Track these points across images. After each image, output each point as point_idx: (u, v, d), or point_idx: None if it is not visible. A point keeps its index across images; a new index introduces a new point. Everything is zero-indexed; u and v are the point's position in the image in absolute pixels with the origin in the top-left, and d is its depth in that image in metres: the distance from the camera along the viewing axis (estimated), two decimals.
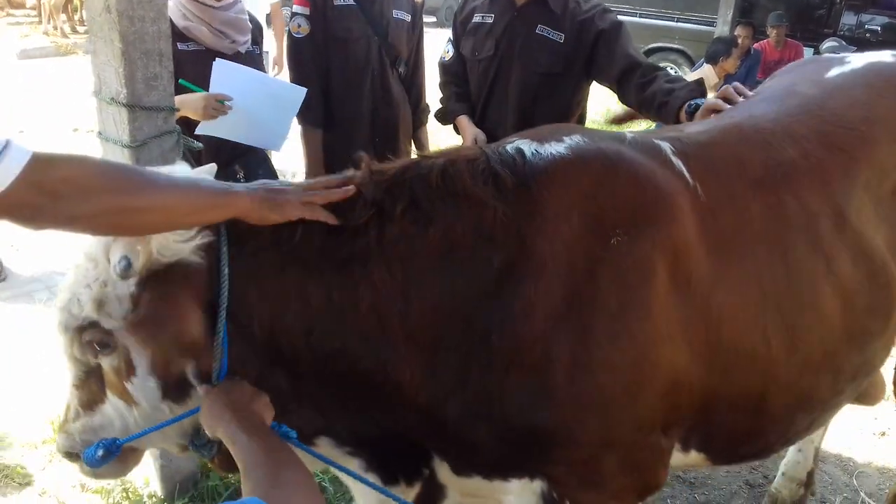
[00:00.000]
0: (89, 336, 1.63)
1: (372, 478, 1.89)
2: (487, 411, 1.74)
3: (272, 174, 3.67)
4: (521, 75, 3.15)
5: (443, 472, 1.92)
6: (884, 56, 2.65)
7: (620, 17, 3.37)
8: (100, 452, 1.66)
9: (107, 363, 1.67)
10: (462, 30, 3.43)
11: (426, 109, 4.13)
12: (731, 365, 1.92)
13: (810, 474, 3.24)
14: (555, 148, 1.83)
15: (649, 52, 13.19)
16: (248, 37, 3.43)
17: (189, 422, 1.73)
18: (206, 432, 1.61)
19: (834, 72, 2.55)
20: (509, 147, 1.84)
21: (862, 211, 2.21)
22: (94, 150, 2.75)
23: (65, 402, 1.81)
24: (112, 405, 1.72)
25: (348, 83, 3.70)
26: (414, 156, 1.88)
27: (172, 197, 1.48)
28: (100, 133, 2.67)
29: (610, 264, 1.74)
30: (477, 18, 3.07)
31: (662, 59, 13.13)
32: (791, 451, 3.27)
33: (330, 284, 1.67)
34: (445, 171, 1.75)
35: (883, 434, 3.97)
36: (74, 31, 14.59)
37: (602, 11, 3.28)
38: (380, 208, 1.70)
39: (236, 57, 3.32)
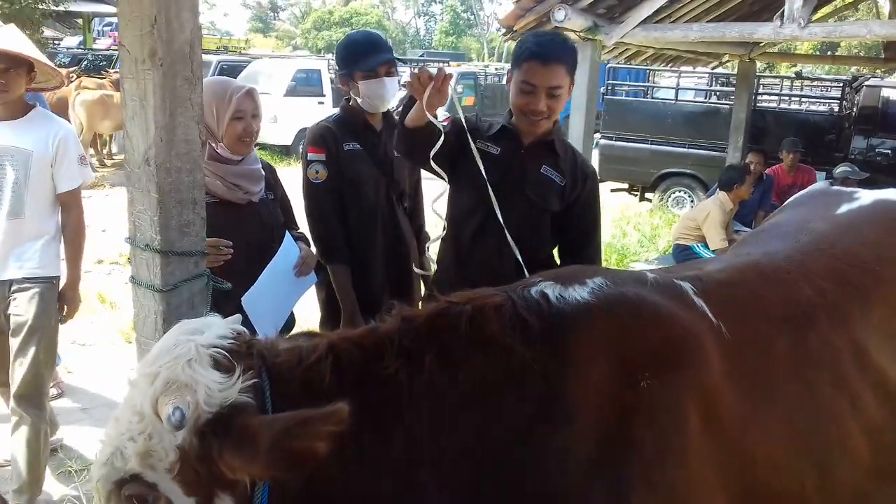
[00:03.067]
0: (130, 490, 1.60)
1: None
2: None
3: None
4: (525, 209, 3.22)
5: None
6: (891, 194, 2.74)
7: (634, 144, 3.47)
8: None
9: None
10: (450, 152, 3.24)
11: (427, 238, 4.25)
12: None
13: None
14: (579, 292, 1.86)
15: (662, 178, 13.52)
16: (262, 185, 3.56)
17: None
18: None
19: (844, 208, 2.65)
20: (533, 291, 1.87)
21: (881, 348, 2.22)
22: (116, 280, 2.81)
23: None
24: None
25: (362, 225, 3.83)
26: (439, 300, 1.90)
27: None
28: (132, 277, 2.75)
29: (641, 409, 1.73)
30: (479, 146, 3.16)
31: (675, 183, 13.43)
32: None
33: (361, 429, 1.65)
34: (474, 318, 1.78)
35: None
36: (103, 164, 15.13)
37: (594, 173, 3.41)
38: (408, 357, 1.72)
39: (249, 206, 3.47)
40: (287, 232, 3.59)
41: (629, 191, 14.76)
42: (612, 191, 15.26)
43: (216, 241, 3.11)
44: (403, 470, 1.69)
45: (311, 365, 1.72)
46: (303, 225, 3.88)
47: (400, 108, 3.10)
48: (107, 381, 5.45)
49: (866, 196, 2.74)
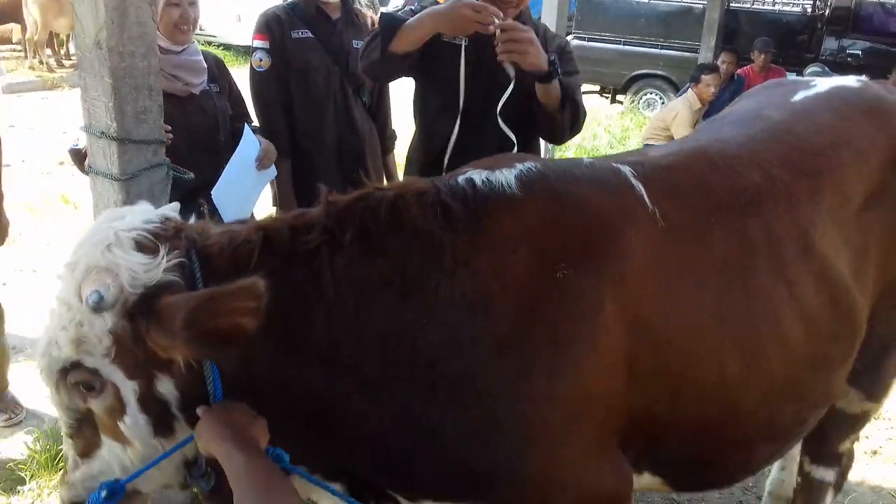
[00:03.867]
0: (74, 378, 1.63)
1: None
2: (430, 443, 1.76)
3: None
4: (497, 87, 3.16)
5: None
6: (848, 81, 2.70)
7: (606, 45, 3.42)
8: (103, 493, 1.66)
9: (98, 405, 1.67)
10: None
11: (393, 136, 4.23)
12: (681, 392, 1.93)
13: (797, 491, 3.14)
14: (506, 177, 1.86)
15: (634, 79, 13.39)
16: (204, 77, 3.48)
17: (183, 457, 1.75)
18: (201, 450, 1.62)
19: (800, 96, 2.58)
20: (461, 178, 1.88)
21: (826, 236, 2.20)
22: (79, 183, 2.77)
23: (64, 453, 1.81)
24: (108, 449, 1.72)
25: (311, 115, 3.78)
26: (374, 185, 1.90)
27: None
28: (89, 166, 2.69)
29: (555, 298, 1.77)
30: (447, 38, 3.06)
31: (647, 85, 13.33)
32: (774, 469, 3.26)
33: (287, 307, 1.67)
34: (395, 203, 1.79)
35: (875, 453, 3.98)
36: (60, 65, 14.65)
37: (567, 42, 3.35)
38: (331, 235, 1.74)
39: (190, 98, 3.40)
40: (246, 125, 3.53)
41: (600, 93, 14.64)
42: (584, 93, 15.15)
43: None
44: (324, 348, 1.71)
45: (241, 244, 1.72)
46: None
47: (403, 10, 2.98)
48: None
49: (823, 83, 2.68)
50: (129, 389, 1.63)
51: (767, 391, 2.06)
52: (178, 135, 3.12)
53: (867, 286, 2.32)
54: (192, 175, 2.89)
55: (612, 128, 12.05)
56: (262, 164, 3.53)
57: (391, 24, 2.90)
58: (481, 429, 1.74)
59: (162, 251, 1.59)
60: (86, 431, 1.74)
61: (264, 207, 4.20)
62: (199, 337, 1.47)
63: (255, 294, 1.48)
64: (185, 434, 1.69)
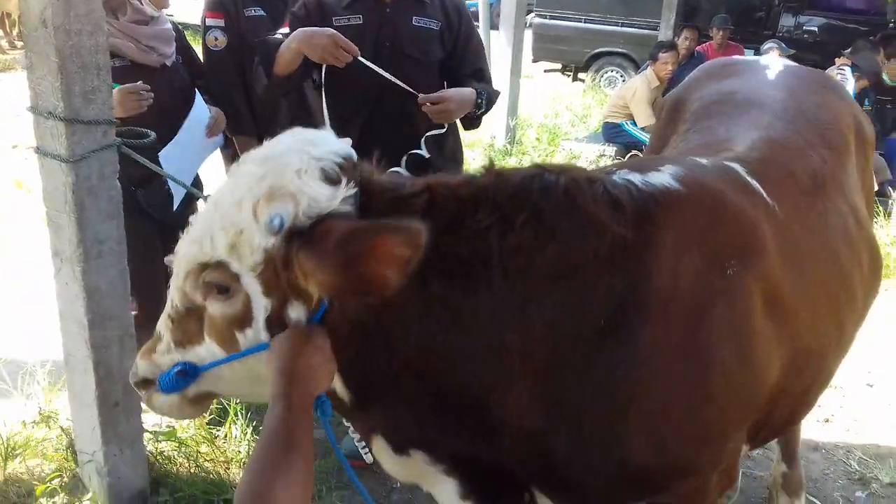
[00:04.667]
0: (211, 276, 1.57)
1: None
2: (601, 450, 1.70)
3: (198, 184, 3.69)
4: (412, 69, 3.16)
5: (543, 502, 1.87)
6: (781, 61, 2.93)
7: (567, 23, 3.51)
8: (176, 369, 1.67)
9: (218, 308, 1.61)
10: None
11: None
12: (803, 366, 2.04)
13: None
14: (662, 178, 1.82)
15: (595, 57, 13.43)
16: (174, 47, 3.45)
17: None
18: (265, 369, 1.56)
19: (773, 75, 2.72)
20: (616, 177, 1.79)
21: (860, 203, 2.45)
22: (34, 167, 2.72)
23: (158, 329, 1.75)
24: (208, 349, 1.67)
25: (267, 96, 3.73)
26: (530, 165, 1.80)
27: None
28: (38, 148, 2.64)
29: (725, 297, 1.76)
30: (341, 22, 3.06)
31: (608, 63, 13.38)
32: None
33: (452, 278, 1.60)
34: (569, 188, 1.68)
35: (827, 421, 4.08)
36: (13, 46, 14.27)
37: (463, 3, 3.36)
38: (502, 214, 1.63)
39: (163, 70, 3.37)
40: (197, 92, 3.49)
41: (562, 71, 14.66)
42: (546, 71, 15.16)
43: (134, 86, 3.02)
44: (487, 332, 1.62)
45: (408, 195, 1.63)
46: None
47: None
48: (28, 262, 5.34)
49: (771, 63, 2.84)
50: (260, 305, 1.57)
51: (843, 350, 2.31)
52: (149, 107, 3.09)
53: None
54: (153, 135, 2.86)
55: (573, 106, 12.08)
56: (211, 131, 3.50)
57: (267, 50, 3.00)
58: (661, 431, 1.70)
59: (343, 184, 1.53)
60: (189, 323, 1.69)
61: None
62: (344, 267, 1.40)
63: (414, 241, 1.38)
64: None
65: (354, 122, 3.14)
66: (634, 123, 8.09)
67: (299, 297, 1.55)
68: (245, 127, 3.69)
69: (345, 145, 1.66)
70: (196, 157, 3.56)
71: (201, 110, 3.45)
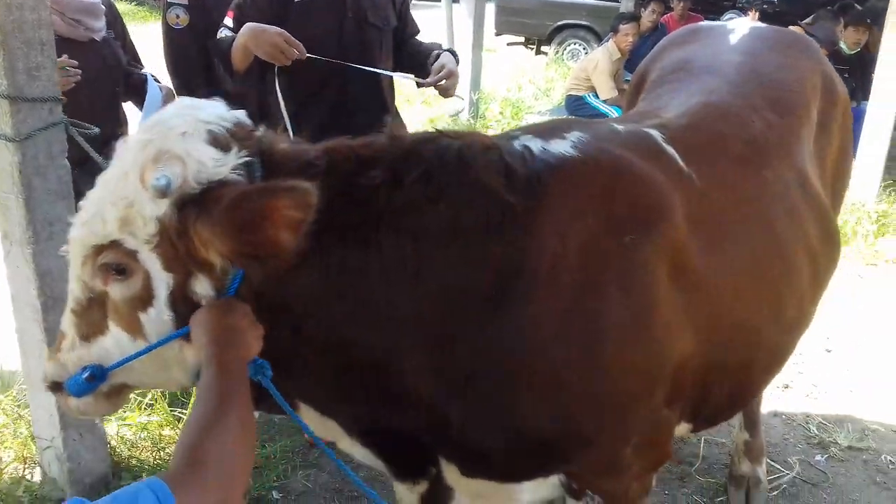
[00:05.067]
0: (108, 257, 1.52)
1: (381, 465, 1.90)
2: (496, 418, 1.70)
3: None
4: (375, 38, 3.19)
5: (450, 473, 1.86)
6: (747, 22, 2.90)
7: None
8: (85, 375, 1.60)
9: (120, 291, 1.56)
10: (274, 13, 3.15)
11: None
12: (731, 339, 1.99)
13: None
14: (562, 146, 1.81)
15: (558, 30, 13.40)
16: (103, 21, 3.37)
17: (195, 358, 1.62)
18: (192, 341, 1.54)
19: (735, 38, 2.68)
20: (516, 143, 1.80)
21: (812, 170, 2.33)
22: None
23: (62, 328, 1.69)
24: (114, 338, 1.61)
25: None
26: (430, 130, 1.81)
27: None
28: None
29: (621, 265, 1.73)
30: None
31: (571, 35, 13.36)
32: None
33: (346, 240, 1.60)
34: (462, 152, 1.69)
35: (786, 387, 4.15)
36: None
37: None
38: (394, 172, 1.64)
39: (90, 44, 3.28)
40: (147, 74, 3.42)
41: (525, 44, 14.62)
42: (509, 45, 15.11)
43: (61, 61, 2.91)
44: (380, 293, 1.62)
45: (307, 165, 1.62)
46: (151, 66, 3.69)
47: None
48: None
49: (737, 26, 2.78)
50: (161, 281, 1.54)
51: (786, 325, 2.18)
52: (78, 84, 3.01)
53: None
54: (97, 130, 2.78)
55: (536, 79, 12.05)
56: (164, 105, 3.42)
57: (222, 50, 3.00)
58: (555, 399, 1.69)
59: (234, 149, 1.51)
60: (93, 314, 1.63)
61: None
62: (238, 231, 1.39)
63: (304, 202, 1.39)
64: None
65: (323, 102, 3.14)
66: (597, 96, 8.09)
67: (202, 269, 1.52)
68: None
69: (238, 113, 1.63)
70: None
71: (154, 93, 3.37)
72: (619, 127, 2.06)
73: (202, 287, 1.54)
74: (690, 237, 1.88)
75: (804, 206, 2.24)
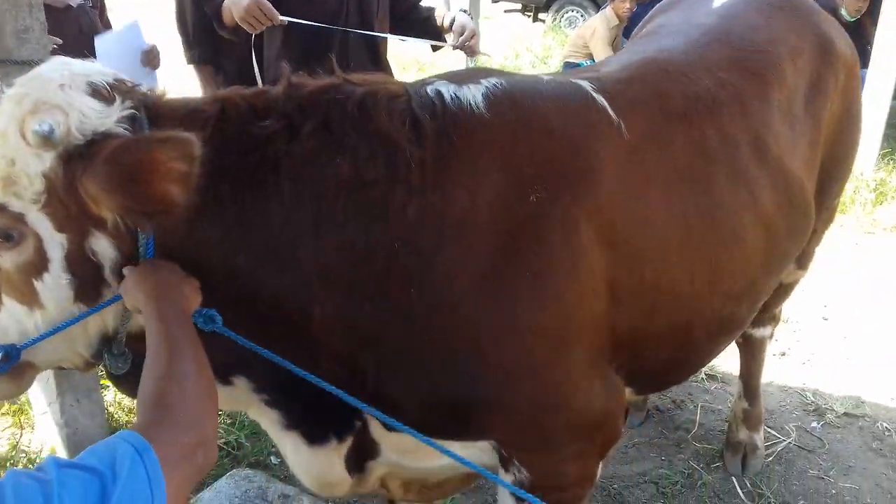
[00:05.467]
0: None
1: (295, 436, 1.82)
2: (408, 373, 1.68)
3: None
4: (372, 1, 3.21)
5: (376, 428, 1.83)
6: None
7: None
8: None
9: (9, 259, 1.47)
10: None
11: None
12: (657, 304, 1.91)
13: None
14: (473, 95, 1.74)
15: None
16: None
17: (104, 329, 1.59)
18: (128, 306, 1.50)
19: (718, 2, 2.59)
20: (430, 89, 1.74)
21: (780, 135, 2.22)
22: None
23: None
24: (8, 311, 1.52)
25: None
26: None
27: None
28: None
29: (531, 223, 1.67)
30: None
31: (569, 2, 13.21)
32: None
33: (242, 189, 1.55)
34: (364, 101, 1.63)
35: (783, 354, 4.16)
36: None
37: None
38: (290, 122, 1.59)
39: (67, 11, 3.27)
40: (138, 23, 3.37)
41: (522, 11, 14.48)
42: (506, 12, 14.98)
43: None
44: (282, 244, 1.57)
45: (195, 111, 1.57)
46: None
47: None
48: None
49: None
50: (55, 243, 1.46)
51: (729, 292, 2.09)
52: (54, 51, 2.96)
53: (815, 176, 2.43)
54: None
55: (533, 47, 11.96)
56: (150, 61, 3.41)
57: (215, 5, 3.04)
58: (463, 359, 1.66)
59: (117, 101, 1.45)
60: None
61: None
62: (125, 184, 1.33)
63: (188, 152, 1.34)
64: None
65: (326, 54, 3.11)
66: (594, 63, 8.02)
67: (98, 226, 1.46)
68: (197, 54, 3.59)
69: (116, 73, 1.56)
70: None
71: (135, 33, 3.33)
72: (547, 77, 1.98)
73: (101, 245, 1.48)
74: (615, 192, 1.80)
75: (757, 170, 2.12)
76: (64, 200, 1.42)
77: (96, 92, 1.44)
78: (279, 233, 1.57)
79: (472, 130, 1.69)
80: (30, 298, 1.50)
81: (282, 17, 2.92)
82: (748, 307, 2.25)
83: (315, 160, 1.58)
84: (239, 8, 2.88)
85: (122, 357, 1.61)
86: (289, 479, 2.92)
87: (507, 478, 1.83)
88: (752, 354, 3.30)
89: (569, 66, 8.37)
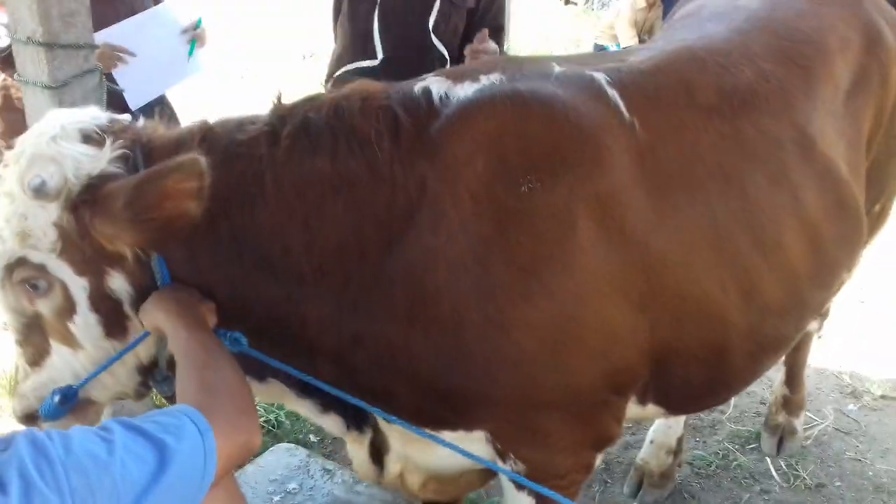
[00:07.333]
0: (20, 275, 1.57)
1: (331, 418, 1.90)
2: (395, 364, 1.70)
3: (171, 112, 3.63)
4: (447, 8, 3.20)
5: (380, 418, 1.87)
6: None
7: None
8: (56, 399, 1.63)
9: (46, 306, 1.61)
10: None
11: None
12: (683, 315, 1.80)
13: (680, 441, 3.04)
14: (466, 90, 1.73)
15: None
16: None
17: (138, 361, 1.71)
18: (147, 327, 1.60)
19: None
20: (417, 87, 1.76)
21: (825, 132, 2.05)
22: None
23: (14, 364, 1.78)
24: (58, 355, 1.67)
25: None
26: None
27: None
28: (18, 75, 2.58)
29: (520, 214, 1.64)
30: None
31: None
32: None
33: (228, 201, 1.62)
34: (339, 105, 1.70)
35: (819, 337, 4.08)
36: None
37: None
38: (272, 128, 1.68)
39: None
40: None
41: None
42: None
43: (117, 46, 2.96)
44: (273, 251, 1.64)
45: (184, 135, 1.68)
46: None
47: None
48: None
49: None
50: (78, 287, 1.58)
51: (770, 305, 1.92)
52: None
53: (861, 177, 2.23)
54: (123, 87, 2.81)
55: (565, 29, 11.86)
56: (197, 36, 3.45)
57: None
58: (449, 352, 1.67)
59: (108, 143, 1.56)
60: (35, 338, 1.67)
61: None
62: (142, 219, 1.45)
63: (195, 171, 1.45)
64: (139, 335, 1.66)
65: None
66: (619, 46, 7.93)
67: (114, 264, 1.59)
68: None
69: (110, 114, 1.70)
70: (162, 76, 3.45)
71: (168, 20, 3.35)
72: (556, 69, 1.86)
73: (118, 284, 1.60)
74: (622, 190, 1.72)
75: (802, 170, 1.95)
76: (79, 245, 1.55)
77: (87, 137, 1.57)
78: (268, 239, 1.64)
79: (456, 123, 1.69)
80: (70, 340, 1.64)
81: None
82: (795, 323, 2.08)
83: (296, 161, 1.65)
84: None
85: (167, 382, 1.74)
86: (329, 455, 2.98)
87: (505, 468, 1.86)
88: (797, 346, 3.05)
89: (596, 48, 8.30)
